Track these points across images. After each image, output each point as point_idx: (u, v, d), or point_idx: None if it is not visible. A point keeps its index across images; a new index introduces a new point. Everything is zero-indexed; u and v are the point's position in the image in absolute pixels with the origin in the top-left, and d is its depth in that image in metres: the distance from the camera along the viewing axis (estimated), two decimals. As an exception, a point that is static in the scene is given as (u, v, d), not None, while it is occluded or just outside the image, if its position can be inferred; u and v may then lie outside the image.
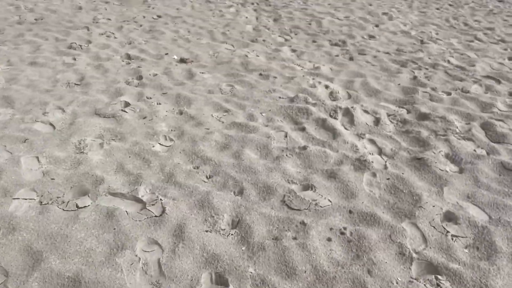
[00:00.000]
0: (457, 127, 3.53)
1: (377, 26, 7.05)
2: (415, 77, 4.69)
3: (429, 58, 5.39)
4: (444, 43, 6.11)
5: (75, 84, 4.26)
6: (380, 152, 3.18)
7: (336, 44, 5.99)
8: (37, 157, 2.93)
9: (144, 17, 7.09)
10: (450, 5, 8.97)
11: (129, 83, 4.37)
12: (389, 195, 2.69)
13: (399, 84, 4.49)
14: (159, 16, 7.19)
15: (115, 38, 5.89)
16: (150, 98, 4.00)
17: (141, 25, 6.55)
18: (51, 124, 3.41)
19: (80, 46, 5.42)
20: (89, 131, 3.32)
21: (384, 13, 7.95)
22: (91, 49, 5.34)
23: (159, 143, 3.21)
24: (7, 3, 7.47)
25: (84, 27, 6.29)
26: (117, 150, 3.07)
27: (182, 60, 5.12)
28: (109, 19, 6.83)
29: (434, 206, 2.56)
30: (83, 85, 4.24)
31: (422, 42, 6.13)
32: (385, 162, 3.04)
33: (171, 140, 3.27)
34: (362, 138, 3.37)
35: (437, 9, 8.53)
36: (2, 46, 5.31)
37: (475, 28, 7.00)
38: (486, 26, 7.12)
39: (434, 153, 3.12)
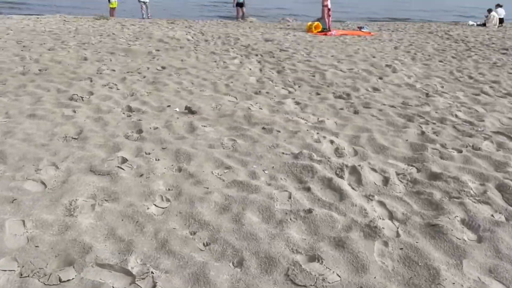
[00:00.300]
0: (471, 189, 3.33)
1: (381, 78, 7.03)
2: (423, 133, 4.54)
3: (436, 112, 5.27)
4: (450, 97, 6.02)
5: (73, 138, 4.13)
6: (391, 216, 2.97)
7: (340, 97, 5.92)
8: (23, 221, 2.74)
9: (148, 68, 7.11)
10: (453, 57, 9.03)
11: (128, 137, 4.24)
12: (403, 268, 2.45)
13: (407, 140, 4.34)
14: (163, 67, 7.22)
15: (118, 89, 5.85)
16: (149, 153, 3.85)
17: (144, 76, 6.55)
18: (42, 183, 3.23)
19: (82, 98, 5.36)
20: (81, 190, 3.14)
21: (388, 65, 7.97)
22: (92, 101, 5.27)
23: (155, 204, 3.02)
24: (13, 53, 7.55)
25: (88, 78, 6.28)
26: (110, 213, 2.88)
27: (190, 110, 5.06)
28: (113, 70, 6.84)
29: (454, 283, 2.31)
30: (81, 139, 4.12)
31: (427, 95, 6.05)
32: (397, 228, 2.82)
33: (168, 200, 3.08)
34: (371, 200, 3.17)
35: (441, 61, 8.57)
36: (3, 97, 5.25)
37: (480, 81, 6.95)
38: (491, 79, 7.08)
39: (449, 218, 2.91)
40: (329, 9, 13.64)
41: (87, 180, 3.28)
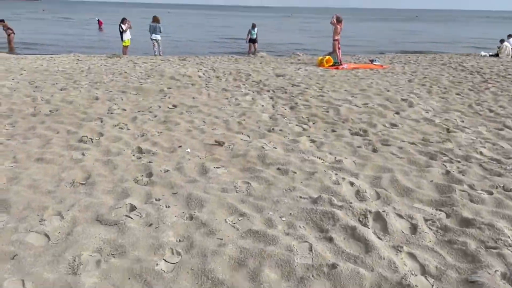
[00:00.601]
0: (508, 237, 3.04)
1: (397, 113, 6.83)
2: (448, 172, 4.28)
3: (460, 149, 5.02)
4: (472, 132, 5.78)
5: (80, 183, 3.96)
6: (424, 271, 2.69)
7: (357, 134, 5.71)
8: (23, 280, 2.53)
9: (159, 106, 7.03)
10: (470, 90, 8.82)
11: (137, 181, 4.06)
12: (444, 336, 2.16)
13: (432, 181, 4.08)
14: (174, 106, 7.13)
15: (128, 129, 5.73)
16: (159, 199, 3.65)
17: (155, 116, 6.44)
18: (46, 235, 3.04)
19: (91, 139, 5.24)
20: (87, 243, 2.93)
21: (404, 99, 7.78)
22: (102, 143, 5.14)
23: (164, 259, 2.79)
24: (25, 94, 7.55)
25: (98, 118, 6.19)
26: (115, 270, 2.65)
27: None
28: (124, 109, 6.76)
29: None
30: (89, 184, 3.95)
31: (448, 130, 5.82)
32: (432, 286, 2.54)
33: (179, 254, 2.85)
34: (400, 251, 2.90)
35: (458, 94, 8.36)
36: (12, 140, 5.16)
37: (501, 115, 6.71)
38: (513, 112, 6.83)
39: (489, 273, 2.62)
40: (338, 42, 13.65)
41: (93, 232, 3.08)
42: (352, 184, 3.98)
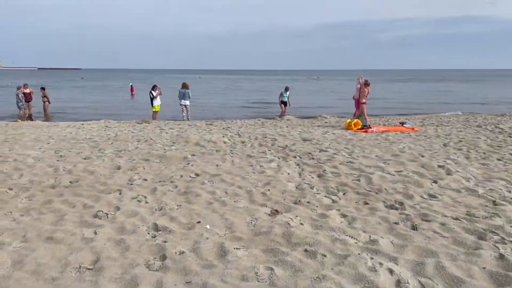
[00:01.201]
0: None
1: (435, 182, 6.31)
2: (501, 256, 3.70)
3: (511, 226, 4.43)
4: (523, 204, 5.17)
5: (87, 268, 3.61)
6: None
7: (392, 207, 5.21)
8: None
9: (181, 176, 6.77)
10: (512, 154, 8.21)
11: (149, 265, 3.68)
12: None
13: (485, 268, 3.50)
14: (197, 175, 6.86)
15: (147, 202, 5.44)
16: (170, 290, 3.23)
17: (176, 186, 6.17)
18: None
19: (107, 214, 4.96)
20: None
21: (440, 166, 7.26)
22: (117, 218, 4.84)
23: None
24: (48, 164, 7.50)
25: (117, 190, 5.96)
26: None
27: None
28: (145, 180, 6.54)
29: None
30: (96, 269, 3.59)
31: (494, 203, 5.24)
32: None
33: None
34: None
35: (499, 160, 7.78)
36: (26, 216, 4.94)
37: (554, 183, 6.07)
38: None
39: None
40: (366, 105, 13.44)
41: (91, 334, 2.67)
42: (391, 271, 3.46)
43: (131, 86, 41.57)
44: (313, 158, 8.06)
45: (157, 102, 17.60)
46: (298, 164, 7.60)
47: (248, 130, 12.76)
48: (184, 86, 17.64)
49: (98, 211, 5.06)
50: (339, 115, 19.88)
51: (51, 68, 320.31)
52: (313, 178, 6.66)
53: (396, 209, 5.15)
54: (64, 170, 7.12)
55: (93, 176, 6.76)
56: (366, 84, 13.57)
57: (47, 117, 19.94)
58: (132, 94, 38.99)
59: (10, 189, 6.03)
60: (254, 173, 6.99)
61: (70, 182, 6.41)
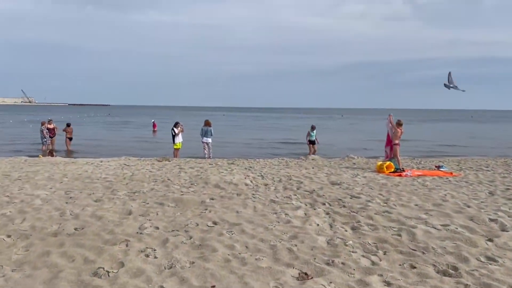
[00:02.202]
0: None
1: (490, 240, 5.40)
2: None
3: None
4: None
5: None
6: None
7: (445, 273, 4.34)
8: None
9: (197, 224, 6.06)
10: None
11: None
12: None
13: None
14: (214, 223, 6.14)
15: (155, 257, 4.73)
16: None
17: (190, 237, 5.45)
18: None
19: (108, 272, 4.27)
20: None
21: (492, 220, 6.33)
22: (119, 278, 4.14)
23: None
24: (55, 207, 6.93)
25: (124, 240, 5.28)
26: None
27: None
28: (157, 228, 5.85)
29: None
30: None
31: None
32: None
33: None
34: None
35: (562, 213, 6.77)
36: (17, 272, 4.30)
37: None
38: None
39: None
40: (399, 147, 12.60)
41: None
42: None
43: (153, 122, 41.85)
44: (344, 206, 7.24)
45: (178, 139, 17.21)
46: (328, 213, 6.79)
47: (271, 170, 12.04)
48: (207, 123, 17.27)
49: (99, 267, 4.38)
50: (367, 155, 18.98)
51: (80, 104, 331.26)
52: (346, 231, 5.83)
53: (450, 275, 4.28)
54: (71, 214, 6.52)
55: (101, 222, 6.12)
56: (399, 124, 12.79)
57: (68, 153, 19.81)
58: (154, 131, 39.16)
59: (9, 236, 5.45)
60: (279, 222, 6.22)
61: (75, 229, 5.79)
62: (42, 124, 20.02)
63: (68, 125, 21.13)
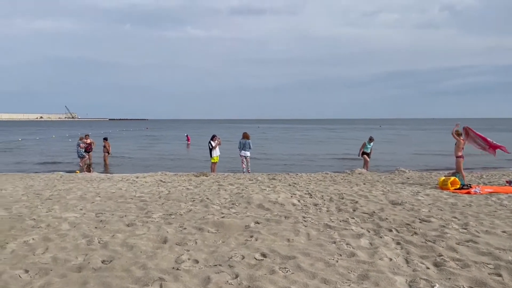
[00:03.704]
0: None
1: None
2: None
3: None
4: None
5: None
6: None
7: None
8: None
9: (243, 257, 5.07)
10: None
11: None
12: None
13: None
14: (263, 256, 5.13)
15: (195, 305, 3.77)
16: None
17: (237, 275, 4.46)
18: None
19: (136, 329, 3.34)
20: None
21: None
22: (150, 338, 3.20)
23: None
24: (82, 233, 6.14)
25: (158, 278, 4.36)
26: None
27: None
28: (196, 261, 4.91)
29: None
30: None
31: None
32: None
33: None
34: None
35: None
36: (24, 324, 3.45)
37: None
38: None
39: None
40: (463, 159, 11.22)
41: None
42: None
43: (187, 136, 41.86)
44: (416, 233, 6.06)
45: (216, 153, 16.42)
46: (398, 243, 5.64)
47: (318, 187, 10.95)
48: (245, 136, 16.43)
49: (126, 320, 3.46)
50: (418, 168, 17.50)
51: (120, 119, 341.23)
52: (428, 268, 4.67)
53: None
54: (99, 242, 5.70)
55: (132, 253, 5.25)
56: (459, 134, 11.41)
57: (106, 168, 19.49)
58: (188, 144, 38.81)
59: (26, 271, 4.65)
60: (341, 255, 5.14)
61: (102, 261, 4.94)
62: (80, 139, 19.84)
63: (105, 139, 20.91)
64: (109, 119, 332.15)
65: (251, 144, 16.29)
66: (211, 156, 16.47)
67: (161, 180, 12.29)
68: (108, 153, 20.43)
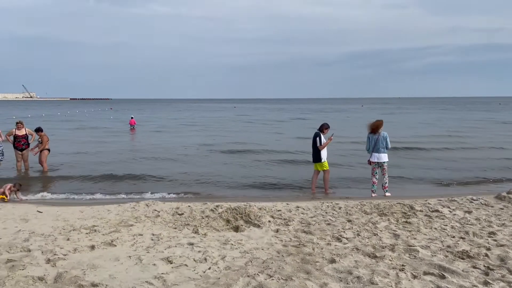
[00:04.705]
0: None
1: None
2: None
3: None
4: None
5: None
6: None
7: None
8: None
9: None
10: None
11: None
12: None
13: None
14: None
15: None
16: None
17: None
18: None
19: None
20: None
21: None
22: None
23: None
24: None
25: None
26: None
27: None
28: None
29: None
30: None
31: None
32: None
33: None
34: None
35: None
36: None
37: None
38: None
39: None
40: None
41: None
42: None
43: (132, 119, 31.66)
44: None
45: (325, 154, 9.91)
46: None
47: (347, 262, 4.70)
48: (374, 126, 9.43)
49: None
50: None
51: (82, 99, 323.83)
52: None
53: None
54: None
55: None
56: None
57: (44, 172, 12.47)
58: (132, 128, 29.97)
59: None
60: None
61: None
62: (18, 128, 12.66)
63: (39, 130, 13.30)
64: (71, 99, 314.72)
65: (388, 139, 9.38)
66: (320, 160, 9.81)
67: (158, 238, 5.69)
68: (48, 151, 13.06)
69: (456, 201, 7.95)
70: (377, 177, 9.38)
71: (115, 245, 5.22)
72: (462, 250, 4.92)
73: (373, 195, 9.23)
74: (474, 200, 7.98)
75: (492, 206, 7.52)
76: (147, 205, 7.48)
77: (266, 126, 34.13)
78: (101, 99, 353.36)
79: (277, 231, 5.91)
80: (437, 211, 7.12)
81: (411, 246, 5.10)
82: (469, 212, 7.03)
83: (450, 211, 7.12)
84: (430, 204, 7.67)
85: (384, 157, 9.24)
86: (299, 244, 5.22)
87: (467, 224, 6.27)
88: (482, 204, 7.71)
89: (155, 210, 7.14)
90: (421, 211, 7.11)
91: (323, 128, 9.75)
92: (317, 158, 9.69)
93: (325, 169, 9.77)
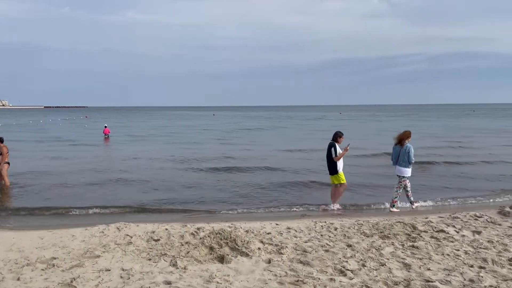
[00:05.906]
0: None
1: None
2: None
3: None
4: None
5: None
6: None
7: None
8: None
9: None
10: None
11: None
12: None
13: None
14: None
15: None
16: None
17: None
18: None
19: None
20: None
21: None
22: None
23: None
24: None
25: None
26: None
27: None
28: None
29: None
30: None
31: None
32: None
33: None
34: None
35: None
36: None
37: None
38: None
39: None
40: None
41: None
42: None
43: (105, 128, 30.79)
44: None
45: (341, 165, 9.10)
46: None
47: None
48: (401, 138, 8.87)
49: None
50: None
51: (57, 107, 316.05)
52: None
53: None
54: None
55: None
56: None
57: (5, 189, 11.32)
58: (106, 137, 29.25)
59: None
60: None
61: None
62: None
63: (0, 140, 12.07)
64: (45, 107, 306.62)
65: (411, 153, 8.71)
66: (336, 172, 9.01)
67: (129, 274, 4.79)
68: (7, 164, 11.90)
69: (459, 218, 7.32)
70: (399, 191, 8.88)
71: (75, 287, 4.30)
72: (490, 286, 4.22)
73: (391, 209, 8.87)
74: (479, 217, 7.36)
75: (499, 224, 6.91)
76: (118, 229, 6.56)
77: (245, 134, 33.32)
78: (77, 107, 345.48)
79: (269, 261, 5.08)
80: (442, 231, 6.44)
81: (428, 281, 4.36)
82: (478, 233, 6.37)
83: (456, 232, 6.45)
84: (432, 222, 7.00)
85: (403, 171, 8.76)
86: (297, 281, 4.41)
87: (480, 248, 5.60)
88: (488, 222, 7.09)
89: (127, 235, 6.23)
90: (425, 231, 6.42)
91: (337, 137, 9.01)
92: (333, 170, 8.97)
93: (342, 182, 9.06)
